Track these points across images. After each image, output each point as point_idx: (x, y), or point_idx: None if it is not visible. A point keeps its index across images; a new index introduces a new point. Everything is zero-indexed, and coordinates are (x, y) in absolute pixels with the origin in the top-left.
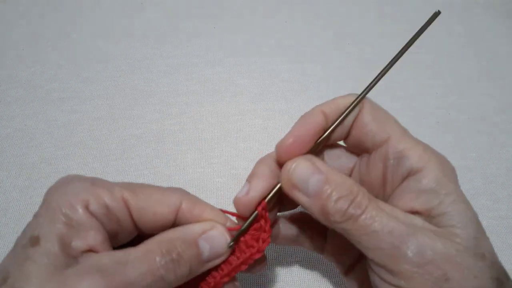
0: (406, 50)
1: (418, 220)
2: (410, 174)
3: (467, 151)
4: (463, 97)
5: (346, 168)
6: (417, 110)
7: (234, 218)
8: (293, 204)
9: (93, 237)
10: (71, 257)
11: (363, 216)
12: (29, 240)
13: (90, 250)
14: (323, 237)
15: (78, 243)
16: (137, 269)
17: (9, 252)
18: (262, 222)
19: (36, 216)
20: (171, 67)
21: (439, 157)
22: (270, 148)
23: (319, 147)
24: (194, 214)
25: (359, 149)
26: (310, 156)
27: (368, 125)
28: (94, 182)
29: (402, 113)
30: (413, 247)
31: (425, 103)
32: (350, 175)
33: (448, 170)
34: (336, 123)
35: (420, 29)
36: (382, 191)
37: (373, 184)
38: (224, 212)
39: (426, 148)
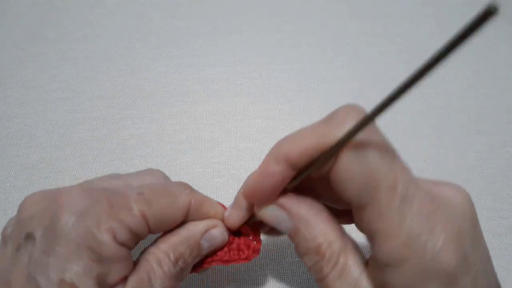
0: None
1: None
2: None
3: (467, 151)
4: (463, 97)
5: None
6: (417, 110)
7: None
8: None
9: (126, 268)
10: None
11: (324, 282)
12: (61, 285)
13: (123, 279)
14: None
15: (113, 278)
16: (160, 285)
17: None
18: (252, 236)
19: (51, 250)
20: (171, 67)
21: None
22: (268, 149)
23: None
24: (203, 213)
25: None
26: (283, 200)
27: (346, 182)
28: (111, 203)
29: (402, 113)
30: None
31: (425, 103)
32: None
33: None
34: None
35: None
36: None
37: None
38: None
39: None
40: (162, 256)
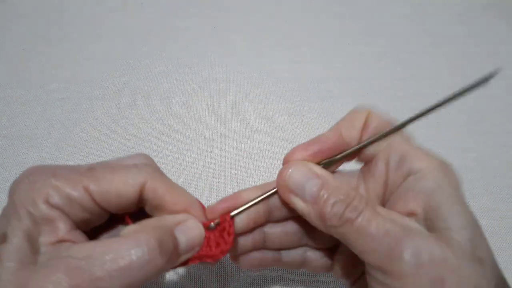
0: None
1: (414, 224)
2: (409, 174)
3: (467, 151)
4: (463, 97)
5: (351, 182)
6: (417, 110)
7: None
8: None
9: (59, 228)
10: (39, 253)
11: (359, 219)
12: None
13: (61, 241)
14: (328, 267)
15: (45, 237)
16: (105, 267)
17: None
18: (225, 234)
19: (3, 214)
20: (171, 67)
21: (441, 161)
22: (270, 148)
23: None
24: (158, 196)
25: (362, 159)
26: (306, 162)
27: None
28: (55, 173)
29: (402, 113)
30: (409, 249)
31: (425, 103)
32: (357, 186)
33: (449, 174)
34: (348, 152)
35: (472, 86)
36: (383, 194)
37: (376, 190)
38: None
39: (428, 152)
40: (128, 242)
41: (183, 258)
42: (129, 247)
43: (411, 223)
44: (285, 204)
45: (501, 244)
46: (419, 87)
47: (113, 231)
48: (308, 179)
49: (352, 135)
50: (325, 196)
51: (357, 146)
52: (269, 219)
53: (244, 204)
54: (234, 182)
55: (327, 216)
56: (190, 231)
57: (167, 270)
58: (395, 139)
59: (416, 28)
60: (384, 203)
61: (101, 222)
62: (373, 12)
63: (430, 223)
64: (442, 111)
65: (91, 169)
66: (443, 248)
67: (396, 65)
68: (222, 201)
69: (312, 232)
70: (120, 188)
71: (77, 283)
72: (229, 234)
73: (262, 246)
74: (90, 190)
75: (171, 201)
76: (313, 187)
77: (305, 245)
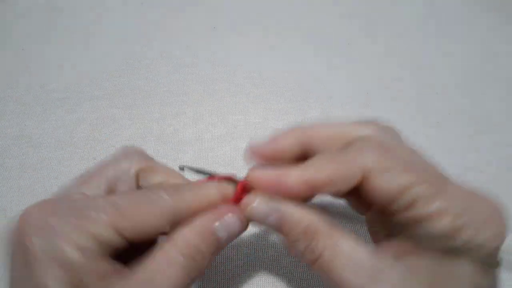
0: None
1: (385, 265)
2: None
3: (467, 151)
4: (463, 97)
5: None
6: (417, 110)
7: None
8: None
9: (97, 268)
10: None
11: (319, 260)
12: None
13: (102, 279)
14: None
15: (88, 280)
16: (166, 284)
17: None
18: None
19: (23, 271)
20: (171, 67)
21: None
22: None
23: None
24: (189, 214)
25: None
26: (266, 195)
27: (383, 189)
28: (77, 213)
29: (402, 113)
30: None
31: (425, 103)
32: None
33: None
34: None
35: None
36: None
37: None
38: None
39: (468, 207)
40: (174, 254)
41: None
42: (179, 264)
43: (381, 264)
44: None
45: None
46: (419, 87)
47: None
48: (267, 215)
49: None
50: (285, 233)
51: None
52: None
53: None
54: None
55: (289, 251)
56: (229, 227)
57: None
58: (420, 192)
59: (416, 28)
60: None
61: (126, 247)
62: (373, 12)
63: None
64: (442, 111)
65: (114, 204)
66: None
67: (396, 65)
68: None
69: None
70: (151, 221)
71: None
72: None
73: None
74: (119, 228)
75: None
76: (274, 222)
77: None
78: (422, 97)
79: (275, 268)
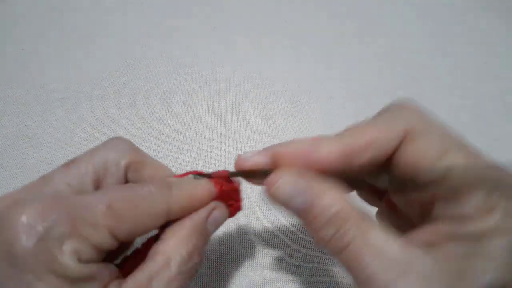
0: None
1: (415, 257)
2: (460, 220)
3: None
4: (463, 97)
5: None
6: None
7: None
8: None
9: (97, 276)
10: None
11: (347, 250)
12: None
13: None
14: (379, 196)
15: None
16: (165, 285)
17: None
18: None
19: (11, 273)
20: (171, 67)
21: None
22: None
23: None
24: (185, 212)
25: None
26: (296, 171)
27: (420, 158)
28: (73, 220)
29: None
30: None
31: (425, 103)
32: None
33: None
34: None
35: None
36: (418, 217)
37: (408, 208)
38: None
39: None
40: (173, 254)
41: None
42: (177, 265)
43: (412, 257)
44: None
45: None
46: (419, 87)
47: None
48: (294, 196)
49: (364, 160)
50: (313, 215)
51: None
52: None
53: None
54: None
55: (314, 237)
56: (217, 221)
57: None
58: (453, 164)
59: (416, 28)
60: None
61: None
62: (373, 12)
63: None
64: (441, 110)
65: (110, 208)
66: None
67: (396, 65)
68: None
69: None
70: (146, 222)
71: None
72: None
73: None
74: (115, 233)
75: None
76: (300, 205)
77: None
78: (422, 97)
79: (275, 268)
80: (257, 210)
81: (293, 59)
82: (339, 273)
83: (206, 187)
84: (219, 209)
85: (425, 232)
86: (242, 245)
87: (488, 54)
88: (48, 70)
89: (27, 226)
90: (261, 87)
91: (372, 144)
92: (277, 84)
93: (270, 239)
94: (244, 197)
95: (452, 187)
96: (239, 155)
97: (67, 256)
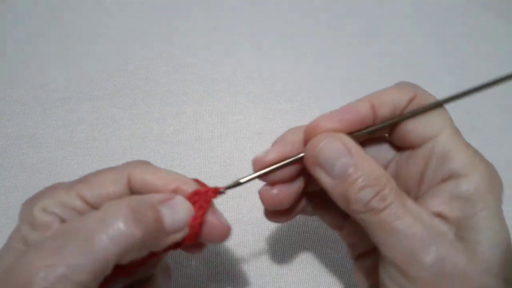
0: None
1: (444, 227)
2: (451, 177)
3: None
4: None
5: (384, 159)
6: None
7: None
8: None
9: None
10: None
11: (385, 211)
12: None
13: None
14: (344, 216)
15: (36, 236)
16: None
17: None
18: (197, 206)
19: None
20: (171, 67)
21: (488, 167)
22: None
23: (356, 139)
24: (145, 182)
25: (401, 143)
26: (342, 135)
27: (417, 121)
28: (52, 188)
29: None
30: (434, 256)
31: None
32: (386, 168)
33: (493, 183)
34: (383, 124)
35: (496, 80)
36: (416, 189)
37: (408, 180)
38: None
39: (476, 154)
40: (109, 214)
41: (173, 237)
42: (99, 218)
43: (441, 225)
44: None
45: None
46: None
47: None
48: (340, 155)
49: (385, 112)
50: (354, 177)
51: (390, 121)
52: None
53: (266, 168)
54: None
55: (351, 199)
56: (176, 206)
57: (155, 249)
58: (443, 132)
59: (416, 28)
60: (414, 197)
61: None
62: (373, 12)
63: (461, 232)
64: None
65: (82, 178)
66: (469, 262)
67: (396, 65)
68: (268, 153)
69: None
70: (109, 186)
71: (54, 263)
72: (202, 209)
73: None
74: (82, 194)
75: (161, 183)
76: (343, 166)
77: None
78: None
79: (274, 268)
80: (257, 210)
81: (293, 59)
82: (339, 273)
83: (174, 176)
84: (180, 198)
85: (433, 200)
86: (242, 245)
87: (488, 54)
88: (48, 70)
89: (28, 199)
90: (261, 87)
91: (391, 99)
92: (277, 84)
93: (270, 239)
94: (241, 198)
95: (444, 148)
96: (258, 155)
97: (36, 208)
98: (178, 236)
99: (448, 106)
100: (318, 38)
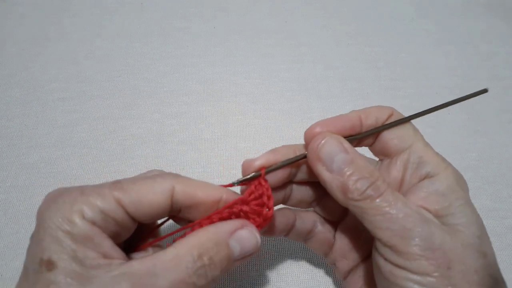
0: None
1: (429, 214)
2: (426, 177)
3: (467, 151)
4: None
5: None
6: (417, 110)
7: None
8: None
9: (101, 245)
10: (90, 273)
11: (380, 198)
12: (41, 265)
13: (106, 257)
14: (330, 244)
15: (91, 254)
16: (168, 279)
17: (23, 281)
18: (265, 198)
19: (36, 239)
20: (171, 67)
21: (454, 169)
22: (270, 148)
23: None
24: (189, 195)
25: (382, 153)
26: (339, 136)
27: (394, 138)
28: (83, 191)
29: (402, 113)
30: (424, 233)
31: (425, 103)
32: None
33: (460, 181)
34: (368, 133)
35: (462, 98)
36: (398, 190)
37: (391, 183)
38: (225, 186)
39: (444, 159)
40: (183, 252)
41: (239, 262)
42: (185, 263)
43: (426, 213)
44: (309, 169)
45: (501, 244)
46: (419, 87)
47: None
48: (338, 152)
49: (370, 125)
50: (351, 171)
51: (373, 130)
52: (292, 180)
53: (274, 164)
54: None
55: (349, 189)
56: (244, 240)
57: (222, 275)
58: (416, 143)
59: (416, 28)
60: None
61: (128, 236)
62: (373, 12)
63: (441, 220)
64: (441, 111)
65: (117, 183)
66: (453, 239)
67: (396, 65)
68: (259, 158)
69: (323, 198)
70: (151, 196)
71: None
72: (268, 197)
73: (286, 202)
74: (122, 202)
75: (204, 195)
76: (342, 161)
77: (314, 211)
78: (422, 97)
79: (275, 268)
80: None
81: (293, 59)
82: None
83: (216, 188)
84: (247, 229)
85: (413, 196)
86: None
87: (488, 54)
88: (48, 70)
89: (50, 198)
90: (261, 87)
91: (374, 114)
92: (277, 84)
93: (271, 239)
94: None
95: (418, 155)
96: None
97: (74, 215)
98: (245, 260)
99: (451, 111)
100: (318, 38)
